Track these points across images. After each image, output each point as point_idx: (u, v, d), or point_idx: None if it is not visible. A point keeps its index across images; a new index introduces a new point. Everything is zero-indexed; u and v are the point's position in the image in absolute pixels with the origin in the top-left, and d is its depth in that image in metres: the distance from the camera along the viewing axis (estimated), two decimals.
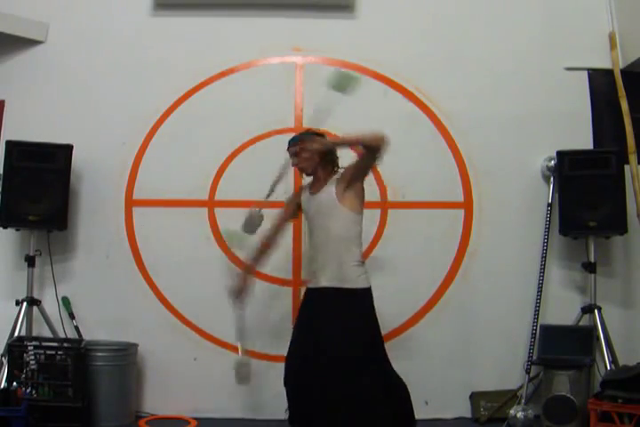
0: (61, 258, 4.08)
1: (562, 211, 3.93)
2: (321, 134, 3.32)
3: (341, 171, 3.27)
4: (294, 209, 3.46)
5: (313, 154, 3.23)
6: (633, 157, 4.02)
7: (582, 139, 4.14)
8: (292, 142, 3.32)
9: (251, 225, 3.46)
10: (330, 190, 3.21)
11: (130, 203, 4.13)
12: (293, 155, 3.30)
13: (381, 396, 3.04)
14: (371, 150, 3.06)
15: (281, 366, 3.47)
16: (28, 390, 3.50)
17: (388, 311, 3.99)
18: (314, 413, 3.07)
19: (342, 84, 3.21)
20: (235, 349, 3.57)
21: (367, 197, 4.01)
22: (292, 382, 3.20)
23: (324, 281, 3.14)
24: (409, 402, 3.18)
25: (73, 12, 4.25)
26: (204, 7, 4.24)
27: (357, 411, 2.97)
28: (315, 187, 3.31)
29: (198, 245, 4.09)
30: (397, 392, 3.14)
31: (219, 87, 4.20)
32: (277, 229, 3.43)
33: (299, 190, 3.50)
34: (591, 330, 3.79)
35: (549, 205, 4.07)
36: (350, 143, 3.32)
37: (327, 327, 3.06)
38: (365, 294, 3.11)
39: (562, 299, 4.05)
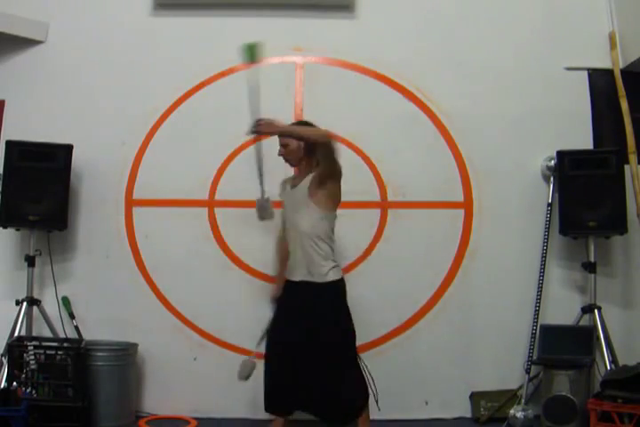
0: (61, 258, 4.08)
1: (562, 211, 3.93)
2: (309, 124, 3.41)
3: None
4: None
5: (299, 147, 3.35)
6: (633, 157, 4.02)
7: (582, 139, 4.14)
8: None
9: (263, 211, 3.54)
10: (304, 185, 3.31)
11: (130, 203, 4.13)
12: (281, 145, 3.40)
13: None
14: (319, 146, 3.21)
15: None
16: (27, 390, 3.49)
17: (388, 311, 4.02)
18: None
19: (252, 54, 3.26)
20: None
21: (367, 197, 4.05)
22: (280, 366, 3.31)
23: (298, 276, 3.29)
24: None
25: (73, 12, 4.25)
26: (203, 7, 4.24)
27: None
28: (295, 180, 3.42)
29: (198, 245, 4.09)
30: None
31: (219, 87, 4.20)
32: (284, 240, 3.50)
33: (281, 187, 3.56)
34: (591, 330, 3.79)
35: (549, 205, 4.06)
36: (295, 136, 3.30)
37: (307, 318, 3.23)
38: (334, 286, 3.25)
39: (562, 299, 4.04)
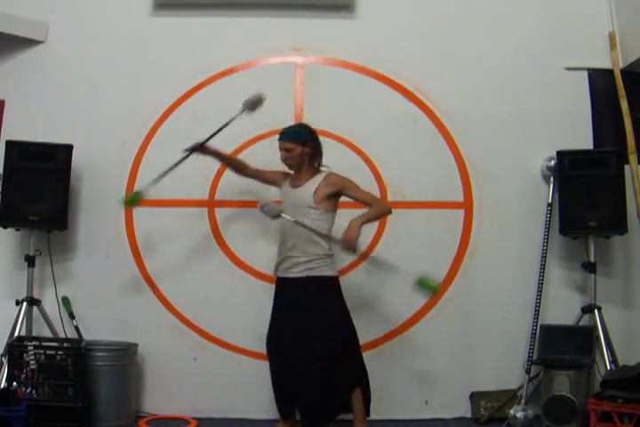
0: (61, 258, 4.08)
1: (562, 211, 3.93)
2: (308, 128, 3.54)
3: (327, 171, 3.50)
4: (269, 180, 3.70)
5: (302, 153, 3.47)
6: (633, 157, 4.02)
7: (582, 139, 4.14)
8: (282, 136, 3.52)
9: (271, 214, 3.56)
10: (310, 188, 3.44)
11: None
12: (284, 150, 3.50)
13: None
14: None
15: None
16: (28, 390, 3.49)
17: (389, 311, 4.02)
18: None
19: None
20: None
21: None
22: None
23: (296, 272, 3.40)
24: None
25: (73, 12, 4.25)
26: (203, 7, 4.24)
27: None
28: (297, 180, 3.52)
29: (198, 245, 4.09)
30: None
31: (219, 87, 4.20)
32: (244, 168, 3.73)
33: (284, 175, 3.64)
34: (591, 330, 3.79)
35: (549, 205, 4.06)
36: (375, 220, 3.60)
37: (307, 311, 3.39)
38: (333, 281, 3.44)
39: (562, 299, 4.04)
